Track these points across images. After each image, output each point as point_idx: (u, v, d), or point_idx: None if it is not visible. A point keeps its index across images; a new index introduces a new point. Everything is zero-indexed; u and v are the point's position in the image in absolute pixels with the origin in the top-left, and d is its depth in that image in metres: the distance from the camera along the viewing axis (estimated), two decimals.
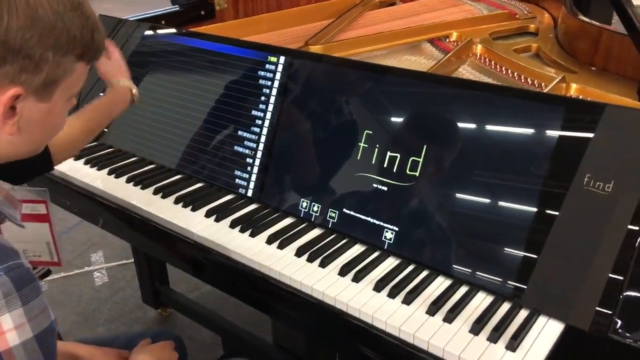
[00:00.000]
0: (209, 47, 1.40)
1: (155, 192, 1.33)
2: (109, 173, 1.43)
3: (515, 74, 1.48)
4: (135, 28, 1.58)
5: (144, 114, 1.51)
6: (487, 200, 1.01)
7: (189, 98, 1.43)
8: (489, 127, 1.05)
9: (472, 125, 1.06)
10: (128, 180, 1.39)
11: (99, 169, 1.45)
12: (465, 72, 1.53)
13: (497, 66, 1.54)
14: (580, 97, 1.34)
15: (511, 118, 1.03)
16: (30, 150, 0.78)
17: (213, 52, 1.39)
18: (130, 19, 1.63)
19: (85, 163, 1.48)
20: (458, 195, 1.03)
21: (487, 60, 1.59)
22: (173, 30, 1.52)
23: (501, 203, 1.00)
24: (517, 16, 1.91)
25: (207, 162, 1.37)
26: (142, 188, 1.36)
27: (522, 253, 0.95)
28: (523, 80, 1.45)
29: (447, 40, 1.77)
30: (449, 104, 1.09)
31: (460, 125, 1.07)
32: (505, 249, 0.97)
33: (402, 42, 1.74)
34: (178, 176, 1.40)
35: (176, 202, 1.29)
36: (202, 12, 1.84)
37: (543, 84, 1.39)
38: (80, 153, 1.51)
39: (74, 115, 1.18)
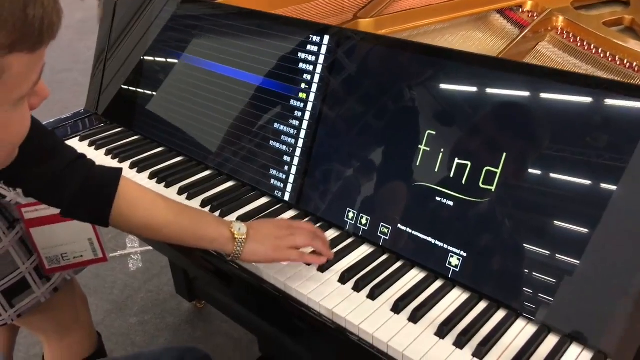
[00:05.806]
0: (239, 22, 1.20)
1: (180, 192, 1.17)
2: (131, 167, 1.27)
3: (608, 53, 1.23)
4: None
5: (170, 101, 1.33)
6: (585, 229, 0.79)
7: (218, 82, 1.24)
8: (590, 132, 0.81)
9: (569, 130, 0.82)
10: (151, 176, 1.22)
11: (120, 161, 1.29)
12: (546, 50, 1.28)
13: (585, 43, 1.28)
14: None
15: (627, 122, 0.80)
16: None
17: (243, 28, 1.19)
18: None
19: (107, 154, 1.32)
20: (548, 217, 0.82)
21: (571, 36, 1.33)
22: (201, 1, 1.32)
23: (610, 232, 0.78)
24: None
25: (240, 159, 1.18)
26: (167, 186, 1.19)
27: None
28: (619, 62, 1.19)
29: (521, 10, 1.51)
30: (538, 101, 0.84)
31: (553, 129, 0.82)
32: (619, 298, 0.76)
33: (466, 13, 1.49)
34: (207, 172, 1.23)
35: (203, 204, 1.12)
36: None
37: None
38: (101, 141, 1.36)
39: (164, 200, 0.94)
